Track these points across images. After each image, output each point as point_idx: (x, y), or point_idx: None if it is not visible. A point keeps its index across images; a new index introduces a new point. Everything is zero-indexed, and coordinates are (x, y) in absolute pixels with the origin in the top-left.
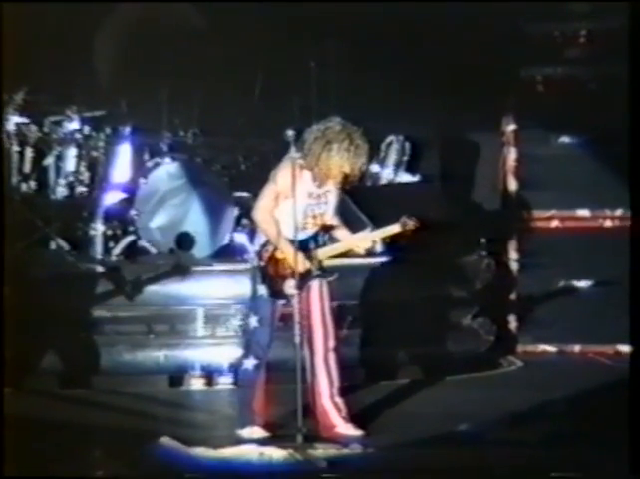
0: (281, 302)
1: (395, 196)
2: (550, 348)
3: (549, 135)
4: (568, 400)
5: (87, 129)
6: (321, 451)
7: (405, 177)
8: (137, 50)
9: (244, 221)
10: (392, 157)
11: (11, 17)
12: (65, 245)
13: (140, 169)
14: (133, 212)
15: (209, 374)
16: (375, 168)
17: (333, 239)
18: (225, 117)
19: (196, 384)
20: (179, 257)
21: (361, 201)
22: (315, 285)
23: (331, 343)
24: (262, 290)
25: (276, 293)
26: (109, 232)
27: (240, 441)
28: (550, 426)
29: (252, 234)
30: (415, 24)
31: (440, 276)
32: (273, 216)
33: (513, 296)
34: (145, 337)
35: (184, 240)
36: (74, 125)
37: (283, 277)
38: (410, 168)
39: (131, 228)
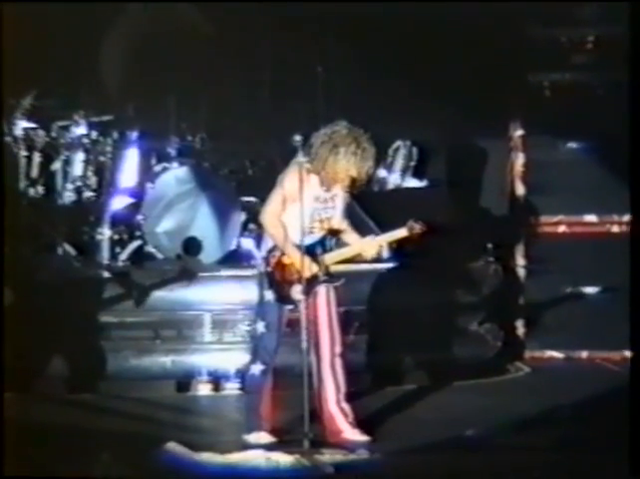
0: (288, 307)
1: (402, 201)
2: (557, 354)
3: (557, 141)
4: (575, 406)
5: (94, 134)
6: (328, 456)
7: (412, 182)
8: (144, 55)
9: (251, 226)
10: (399, 162)
11: (19, 22)
12: (72, 251)
13: (147, 174)
14: (140, 217)
15: (216, 379)
16: (382, 173)
17: (341, 244)
18: (233, 122)
19: (203, 389)
20: (186, 263)
21: (368, 206)
22: (322, 291)
23: (338, 349)
24: (269, 295)
25: (283, 298)
26: (116, 237)
27: (247, 446)
28: (557, 432)
29: (259, 239)
30: (422, 30)
31: (447, 282)
32: (281, 220)
33: (521, 302)
34: (151, 342)
35: (191, 246)
36: (81, 130)
37: (290, 282)
38: (417, 173)
39: (138, 233)
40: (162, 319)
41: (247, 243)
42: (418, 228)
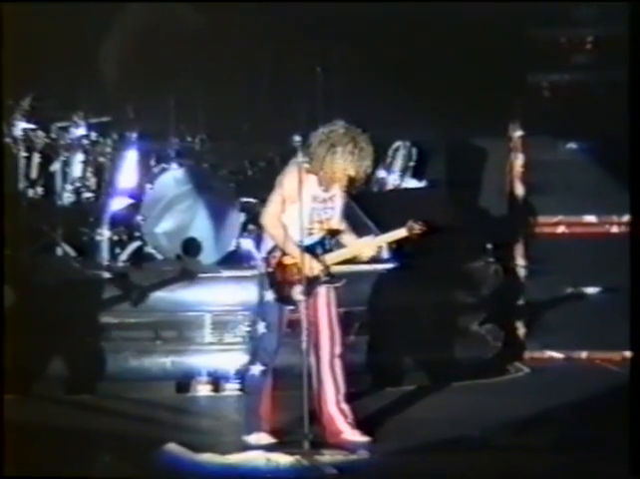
0: (288, 308)
1: (401, 202)
2: (557, 354)
3: (556, 141)
4: (575, 406)
5: (94, 135)
6: (328, 457)
7: (411, 183)
8: (143, 56)
9: (251, 226)
10: (399, 163)
11: (19, 22)
12: (71, 251)
13: (146, 175)
14: (139, 217)
15: (216, 380)
16: (382, 174)
17: (340, 245)
18: (232, 123)
19: (203, 390)
20: (186, 263)
21: (367, 207)
22: (322, 291)
23: (337, 349)
24: (269, 296)
25: (283, 299)
26: (115, 237)
27: (247, 447)
28: (557, 432)
29: (259, 239)
30: (422, 30)
31: (447, 282)
32: (281, 221)
33: (520, 302)
34: (151, 343)
35: (191, 246)
36: (81, 131)
37: (290, 283)
38: (417, 174)
39: (137, 233)
40: (162, 320)
41: (247, 244)
42: (417, 228)
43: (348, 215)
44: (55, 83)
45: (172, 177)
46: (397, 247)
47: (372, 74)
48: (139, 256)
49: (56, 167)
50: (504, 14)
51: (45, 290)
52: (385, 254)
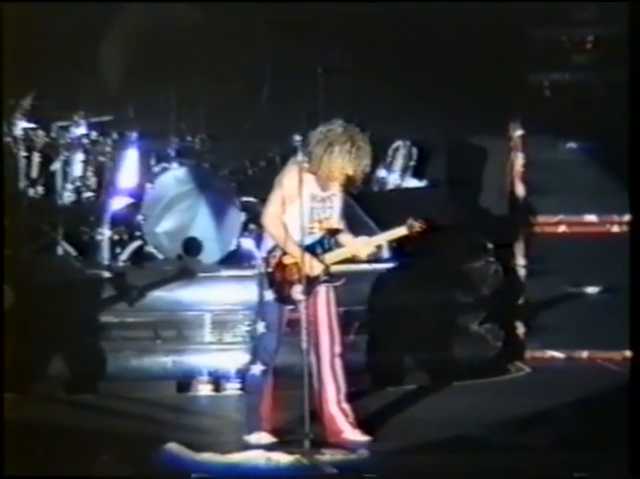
0: (288, 308)
1: (402, 201)
2: (558, 354)
3: (556, 140)
4: (575, 406)
5: (94, 134)
6: (328, 457)
7: (412, 182)
8: (144, 55)
9: (251, 226)
10: (399, 162)
11: (19, 22)
12: (72, 251)
13: (147, 174)
14: (140, 217)
15: (217, 380)
16: (382, 173)
17: (340, 244)
18: (232, 122)
19: (204, 390)
20: (187, 263)
21: (368, 206)
22: (322, 291)
23: (337, 349)
24: (269, 296)
25: (283, 299)
26: (116, 237)
27: (247, 447)
28: (558, 431)
29: (259, 239)
30: (422, 30)
31: (447, 282)
32: (281, 221)
33: (521, 302)
34: (152, 343)
35: (191, 246)
36: (81, 130)
37: (290, 283)
38: (417, 173)
39: (138, 233)
40: (163, 320)
41: (247, 244)
42: (417, 226)
43: (349, 214)
44: (55, 82)
45: (173, 176)
46: (397, 247)
47: (372, 74)
48: (139, 256)
49: (56, 166)
50: (505, 13)
51: (45, 290)
52: (385, 254)
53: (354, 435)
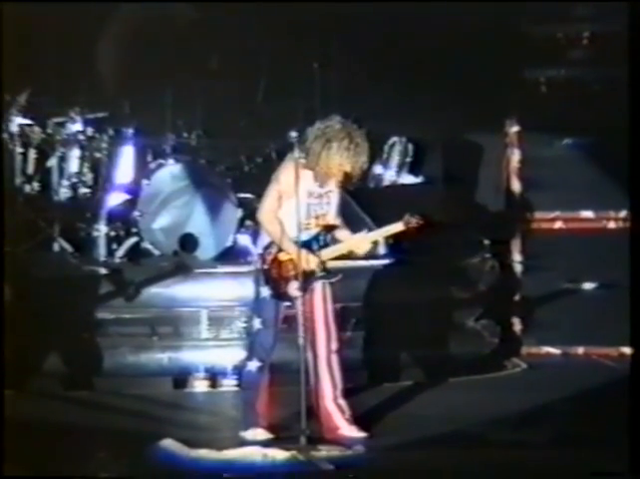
0: (285, 304)
1: (398, 197)
2: (554, 350)
3: (553, 136)
4: (572, 402)
5: (90, 130)
6: (324, 453)
7: (408, 178)
8: (140, 52)
9: (248, 222)
10: (395, 158)
11: (14, 19)
12: (68, 247)
13: (143, 170)
14: (136, 213)
15: (213, 376)
16: (378, 169)
17: (336, 240)
18: (229, 119)
19: (200, 386)
20: (183, 259)
21: (364, 203)
22: (318, 287)
23: (334, 345)
24: (265, 292)
25: (280, 295)
26: (112, 233)
27: (244, 443)
28: (555, 428)
29: (255, 235)
30: (418, 26)
31: (443, 278)
32: (277, 217)
33: (517, 298)
34: (148, 339)
35: (188, 242)
36: (77, 126)
37: (286, 279)
38: (413, 169)
39: (134, 229)
40: (159, 316)
41: (244, 240)
42: (414, 221)
43: (345, 211)
44: (51, 79)
45: (169, 172)
46: (393, 243)
47: (369, 70)
48: (136, 252)
49: (52, 162)
50: (501, 10)
51: (42, 286)
52: (381, 250)
53: (350, 431)
